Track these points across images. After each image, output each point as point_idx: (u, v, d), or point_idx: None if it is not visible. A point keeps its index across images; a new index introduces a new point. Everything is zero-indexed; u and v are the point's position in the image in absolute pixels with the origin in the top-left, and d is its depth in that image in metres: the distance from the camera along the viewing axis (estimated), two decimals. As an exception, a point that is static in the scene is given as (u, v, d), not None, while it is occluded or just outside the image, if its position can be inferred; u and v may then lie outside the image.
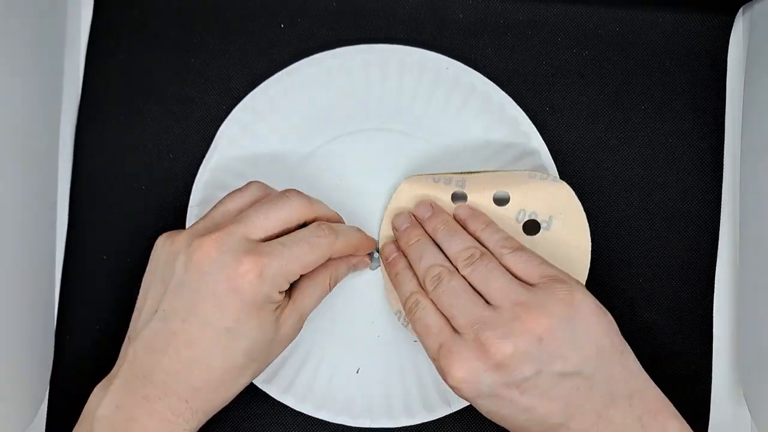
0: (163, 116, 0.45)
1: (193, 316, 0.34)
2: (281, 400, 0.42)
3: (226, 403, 0.36)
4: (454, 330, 0.35)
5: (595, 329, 0.35)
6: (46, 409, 0.43)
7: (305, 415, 0.42)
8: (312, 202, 0.38)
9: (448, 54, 0.44)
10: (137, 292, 0.40)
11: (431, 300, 0.37)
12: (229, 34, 0.45)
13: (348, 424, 0.41)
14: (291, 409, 0.42)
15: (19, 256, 0.40)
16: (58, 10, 0.44)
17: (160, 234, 0.41)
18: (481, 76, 0.43)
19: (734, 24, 0.44)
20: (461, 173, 0.41)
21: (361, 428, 0.42)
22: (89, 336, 0.43)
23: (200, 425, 0.36)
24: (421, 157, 0.43)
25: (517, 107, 0.43)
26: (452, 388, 0.35)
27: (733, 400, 0.43)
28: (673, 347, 0.43)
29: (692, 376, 0.43)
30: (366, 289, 0.43)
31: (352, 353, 0.42)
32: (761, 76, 0.42)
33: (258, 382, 0.42)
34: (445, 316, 0.36)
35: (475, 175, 0.41)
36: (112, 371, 0.36)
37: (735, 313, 0.43)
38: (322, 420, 0.42)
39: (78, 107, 0.45)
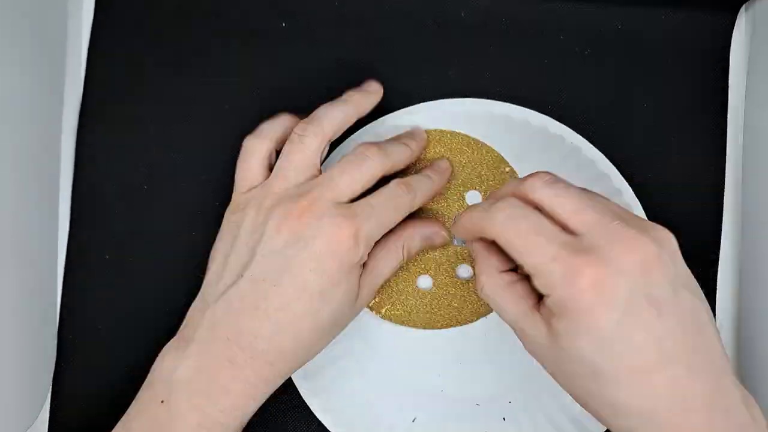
0: (165, 115, 0.44)
1: (287, 280, 0.34)
2: None
3: (302, 365, 0.37)
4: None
5: None
6: (48, 408, 0.43)
7: None
8: (388, 154, 0.37)
9: (450, 53, 0.44)
10: (140, 292, 0.40)
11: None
12: (230, 33, 0.45)
13: None
14: None
15: (21, 255, 0.40)
16: (59, 9, 0.44)
17: (161, 233, 0.41)
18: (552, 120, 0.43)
19: (737, 21, 0.44)
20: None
21: None
22: (92, 335, 0.43)
23: (276, 388, 0.37)
24: None
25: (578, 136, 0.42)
26: (572, 297, 0.29)
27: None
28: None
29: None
30: (436, 343, 0.42)
31: (411, 401, 0.41)
32: (764, 74, 0.42)
33: (330, 425, 0.41)
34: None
35: None
36: (181, 334, 0.37)
37: (737, 313, 0.43)
38: None
39: (80, 107, 0.45)
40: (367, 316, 0.41)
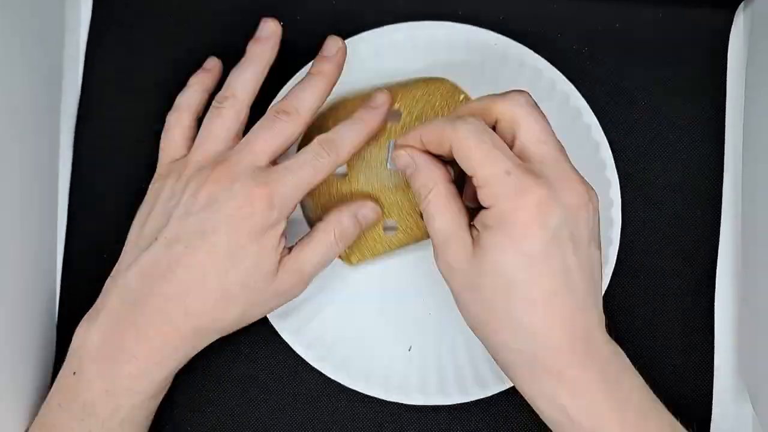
0: (163, 113, 0.44)
1: (198, 242, 0.35)
2: (335, 378, 0.42)
3: (211, 341, 0.37)
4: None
5: None
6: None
7: (359, 392, 0.42)
8: (299, 108, 0.37)
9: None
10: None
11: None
12: (229, 31, 0.45)
13: (402, 402, 0.41)
14: (343, 386, 0.42)
15: (20, 254, 0.40)
16: (56, 6, 0.44)
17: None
18: (530, 51, 0.43)
19: (735, 20, 0.44)
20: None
21: (416, 406, 0.42)
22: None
23: (186, 360, 0.37)
24: None
25: (568, 83, 0.42)
26: (514, 210, 0.32)
27: (735, 396, 0.43)
28: (674, 344, 0.43)
29: (694, 372, 0.43)
30: (416, 268, 0.43)
31: (404, 332, 0.42)
32: (762, 71, 0.42)
33: (312, 360, 0.42)
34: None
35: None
36: (95, 305, 0.37)
37: (737, 308, 0.43)
38: (376, 398, 0.42)
39: (77, 104, 0.45)
40: (340, 265, 0.42)
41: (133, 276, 0.36)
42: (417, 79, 0.42)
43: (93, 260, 0.44)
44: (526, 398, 0.34)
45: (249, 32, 0.45)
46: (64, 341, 0.43)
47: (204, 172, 0.36)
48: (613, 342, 0.34)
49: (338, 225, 0.39)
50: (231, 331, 0.38)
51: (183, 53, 0.45)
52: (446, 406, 0.42)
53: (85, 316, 0.37)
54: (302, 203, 0.41)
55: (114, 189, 0.44)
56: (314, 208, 0.42)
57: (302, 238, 0.38)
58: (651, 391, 0.35)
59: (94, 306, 0.38)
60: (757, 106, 0.42)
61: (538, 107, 0.34)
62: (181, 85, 0.44)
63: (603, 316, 0.34)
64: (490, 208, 0.32)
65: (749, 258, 0.42)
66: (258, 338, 0.43)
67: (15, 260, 0.39)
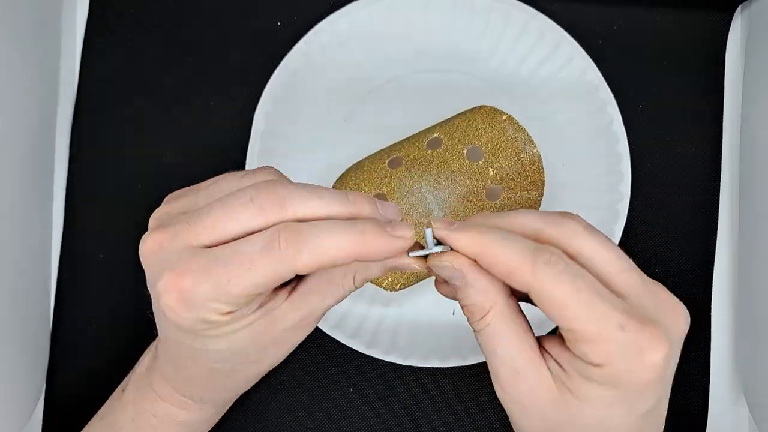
0: (159, 114, 0.44)
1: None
2: (388, 360, 0.41)
3: (241, 392, 0.34)
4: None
5: None
6: (42, 407, 0.43)
7: (415, 367, 0.42)
8: (286, 202, 0.27)
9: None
10: (133, 290, 0.40)
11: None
12: (226, 30, 0.45)
13: (461, 365, 0.41)
14: (398, 365, 0.42)
15: (15, 254, 0.40)
16: (53, 6, 0.43)
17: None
18: (537, 11, 0.43)
19: (732, 22, 0.45)
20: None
21: (474, 365, 0.42)
22: (85, 334, 0.43)
23: (221, 410, 0.37)
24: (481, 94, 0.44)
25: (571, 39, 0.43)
26: (634, 371, 0.26)
27: (731, 396, 0.43)
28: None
29: (691, 372, 0.43)
30: None
31: (443, 298, 0.42)
32: (759, 74, 0.43)
33: (361, 348, 0.41)
34: None
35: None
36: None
37: (733, 311, 0.44)
38: (433, 368, 0.42)
39: (74, 104, 0.45)
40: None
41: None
42: (454, 116, 0.42)
43: (89, 260, 0.44)
44: None
45: (246, 32, 0.45)
46: (59, 341, 0.43)
47: (145, 236, 0.29)
48: None
49: (363, 270, 0.31)
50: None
51: (181, 53, 0.45)
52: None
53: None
54: None
55: (109, 189, 0.44)
56: None
57: (308, 280, 0.30)
58: None
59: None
60: (755, 107, 0.43)
61: (596, 229, 0.28)
62: (178, 85, 0.44)
63: None
64: (601, 366, 0.26)
65: (746, 259, 0.42)
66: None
67: (10, 260, 0.39)
